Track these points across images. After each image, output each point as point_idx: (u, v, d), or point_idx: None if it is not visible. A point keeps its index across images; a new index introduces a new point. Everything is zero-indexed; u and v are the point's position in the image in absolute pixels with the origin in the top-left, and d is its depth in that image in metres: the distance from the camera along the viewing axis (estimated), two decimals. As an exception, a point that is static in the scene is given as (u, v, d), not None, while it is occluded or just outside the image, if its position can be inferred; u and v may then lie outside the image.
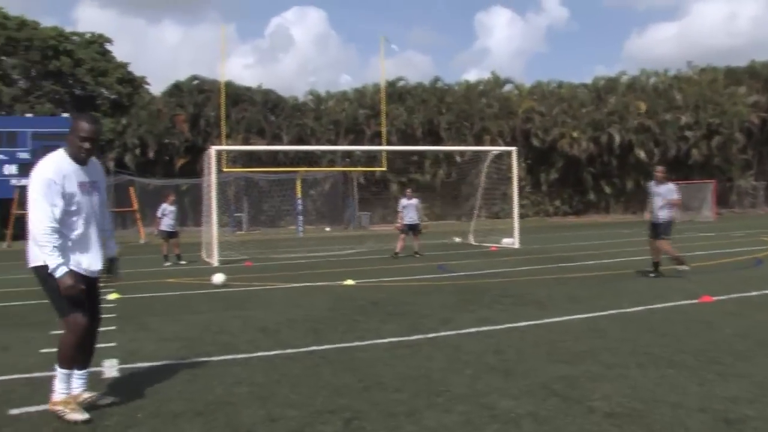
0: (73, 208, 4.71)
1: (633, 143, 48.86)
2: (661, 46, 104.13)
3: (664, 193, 12.39)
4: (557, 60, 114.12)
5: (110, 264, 5.18)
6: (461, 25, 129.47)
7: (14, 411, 4.93)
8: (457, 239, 24.63)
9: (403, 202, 19.89)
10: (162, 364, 6.38)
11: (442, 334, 7.52)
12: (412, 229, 19.60)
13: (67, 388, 4.75)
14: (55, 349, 4.87)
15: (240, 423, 4.56)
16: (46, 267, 4.60)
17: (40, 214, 4.53)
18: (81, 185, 4.75)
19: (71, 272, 4.59)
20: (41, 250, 4.56)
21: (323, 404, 4.92)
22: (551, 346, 6.69)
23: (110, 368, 6.15)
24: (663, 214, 12.38)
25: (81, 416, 4.61)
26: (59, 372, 4.74)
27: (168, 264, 17.99)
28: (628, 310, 8.81)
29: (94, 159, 4.97)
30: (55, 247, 4.53)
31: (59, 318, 4.77)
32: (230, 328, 8.26)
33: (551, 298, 10.00)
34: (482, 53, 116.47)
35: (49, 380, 4.90)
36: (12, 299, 11.42)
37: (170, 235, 18.71)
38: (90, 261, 4.84)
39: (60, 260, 4.54)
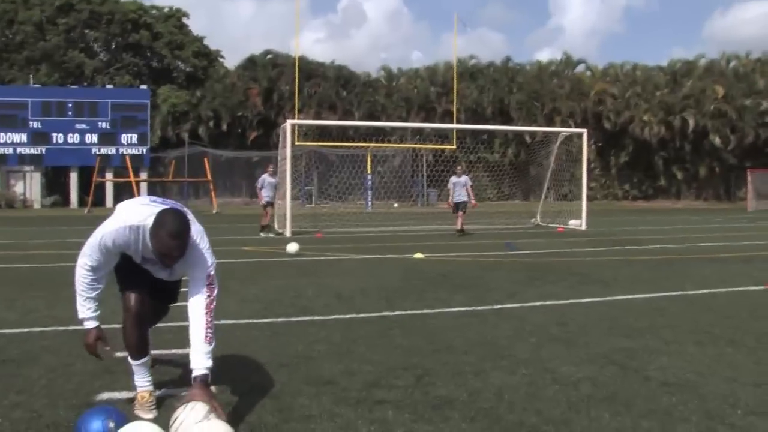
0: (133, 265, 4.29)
1: (708, 129, 47.66)
2: (746, 26, 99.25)
3: None
4: (633, 41, 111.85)
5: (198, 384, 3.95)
6: (535, 2, 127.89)
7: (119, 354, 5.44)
8: (533, 221, 24.57)
9: (453, 179, 19.63)
10: (245, 322, 6.87)
11: (508, 306, 7.84)
12: (459, 206, 19.29)
13: (143, 379, 4.27)
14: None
15: (321, 374, 4.98)
16: None
17: (84, 260, 4.07)
18: (146, 259, 4.22)
19: (97, 330, 4.13)
20: (76, 291, 4.11)
21: (397, 362, 5.30)
22: (613, 321, 6.94)
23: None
24: None
25: (146, 414, 4.12)
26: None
27: (270, 234, 18.72)
28: (692, 292, 8.93)
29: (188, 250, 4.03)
30: (89, 298, 4.10)
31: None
32: (306, 293, 8.73)
33: (616, 278, 10.18)
34: (556, 32, 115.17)
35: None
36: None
37: (266, 205, 19.41)
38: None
39: (89, 314, 4.11)
